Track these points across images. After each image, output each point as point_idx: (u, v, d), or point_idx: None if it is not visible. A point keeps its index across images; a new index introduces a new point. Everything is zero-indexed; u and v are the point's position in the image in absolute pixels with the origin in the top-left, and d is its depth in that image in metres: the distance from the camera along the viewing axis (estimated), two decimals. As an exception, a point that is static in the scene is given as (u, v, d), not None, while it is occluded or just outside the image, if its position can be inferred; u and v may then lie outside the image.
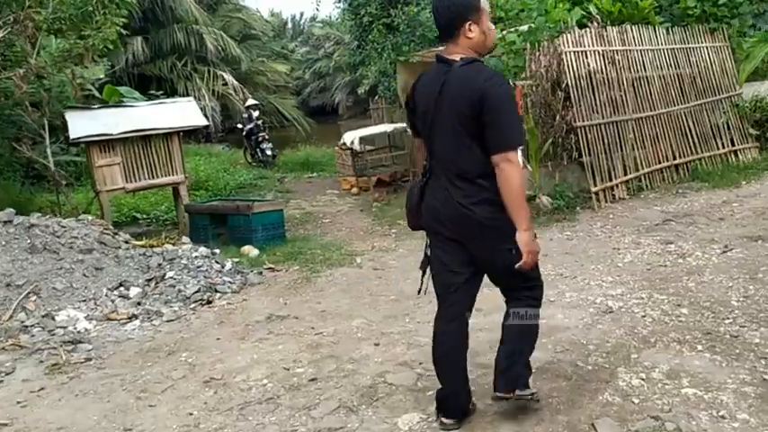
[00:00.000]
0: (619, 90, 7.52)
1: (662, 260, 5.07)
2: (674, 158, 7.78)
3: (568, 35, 7.30)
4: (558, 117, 7.20)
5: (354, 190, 10.82)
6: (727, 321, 3.72)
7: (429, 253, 2.76)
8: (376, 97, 12.54)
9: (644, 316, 3.94)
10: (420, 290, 2.81)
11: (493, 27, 2.63)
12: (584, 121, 7.16)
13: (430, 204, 2.67)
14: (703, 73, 8.28)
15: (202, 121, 8.59)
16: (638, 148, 7.52)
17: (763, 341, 3.40)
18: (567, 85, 7.14)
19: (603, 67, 7.42)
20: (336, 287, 5.44)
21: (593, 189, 7.03)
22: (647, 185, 7.51)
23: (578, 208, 7.08)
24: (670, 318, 3.87)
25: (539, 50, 7.35)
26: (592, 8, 7.93)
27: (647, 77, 7.80)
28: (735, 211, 6.21)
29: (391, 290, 5.19)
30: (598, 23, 7.63)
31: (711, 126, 8.16)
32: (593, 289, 4.65)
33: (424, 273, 2.79)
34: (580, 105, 7.16)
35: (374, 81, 11.59)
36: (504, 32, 7.74)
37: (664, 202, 6.98)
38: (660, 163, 7.67)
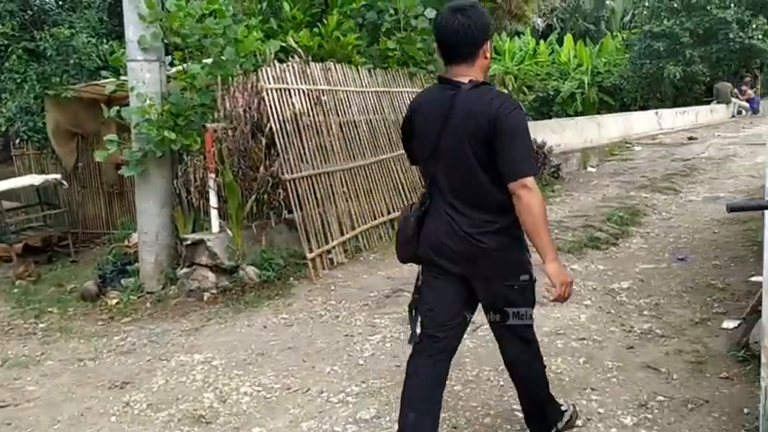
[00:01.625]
0: (328, 136, 6.49)
1: (398, 349, 4.01)
2: (389, 213, 7.01)
3: (269, 69, 6.02)
4: (262, 168, 5.82)
5: (-10, 262, 7.97)
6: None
7: (421, 287, 2.57)
8: (18, 141, 9.66)
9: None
10: (412, 336, 2.58)
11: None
12: (292, 172, 5.91)
13: (432, 235, 2.48)
14: (407, 119, 7.77)
15: None
16: (352, 203, 6.55)
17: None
18: (270, 129, 5.83)
19: (310, 109, 6.31)
20: None
21: (309, 255, 5.78)
22: (365, 245, 6.55)
23: (292, 278, 5.75)
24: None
25: (233, 86, 5.92)
26: (290, 40, 6.82)
27: (354, 122, 6.95)
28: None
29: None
30: (300, 57, 6.53)
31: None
32: (337, 409, 3.33)
33: (414, 313, 2.58)
34: (287, 154, 5.90)
35: (12, 120, 8.82)
36: (186, 65, 6.11)
37: (387, 265, 6.06)
38: (376, 218, 6.81)
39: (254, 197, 5.87)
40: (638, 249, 5.91)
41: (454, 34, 2.36)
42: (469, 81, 2.36)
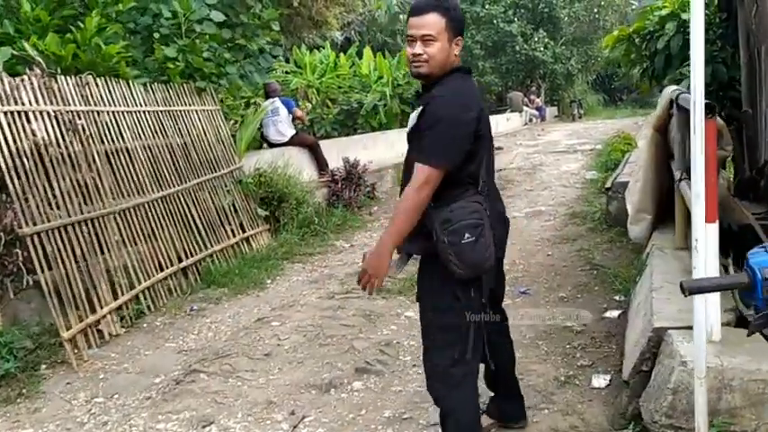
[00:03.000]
0: (89, 170, 5.01)
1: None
2: (180, 260, 5.66)
3: (-9, 85, 4.43)
4: (-13, 222, 4.23)
5: None
6: None
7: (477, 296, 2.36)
8: None
9: None
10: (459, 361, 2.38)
11: (406, 48, 2.41)
12: (36, 224, 4.37)
13: (494, 228, 2.37)
14: (197, 143, 6.48)
15: None
16: (129, 254, 5.13)
17: None
18: (-3, 167, 4.26)
19: (60, 137, 4.80)
20: None
21: (66, 334, 4.27)
22: (149, 307, 5.14)
23: (44, 367, 4.21)
24: None
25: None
26: (29, 49, 5.22)
27: (128, 150, 5.52)
28: (280, 338, 4.42)
29: None
30: (43, 71, 4.98)
31: (217, 210, 6.40)
32: None
33: (469, 330, 2.34)
34: (27, 200, 4.36)
35: None
36: None
37: (178, 331, 4.74)
38: (163, 270, 5.44)
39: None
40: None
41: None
42: None
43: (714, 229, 2.57)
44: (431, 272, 2.40)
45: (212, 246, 6.10)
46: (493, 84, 21.74)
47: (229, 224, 6.47)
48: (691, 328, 2.89)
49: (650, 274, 3.78)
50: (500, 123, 19.02)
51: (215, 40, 6.72)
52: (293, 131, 8.47)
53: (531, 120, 20.51)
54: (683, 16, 6.89)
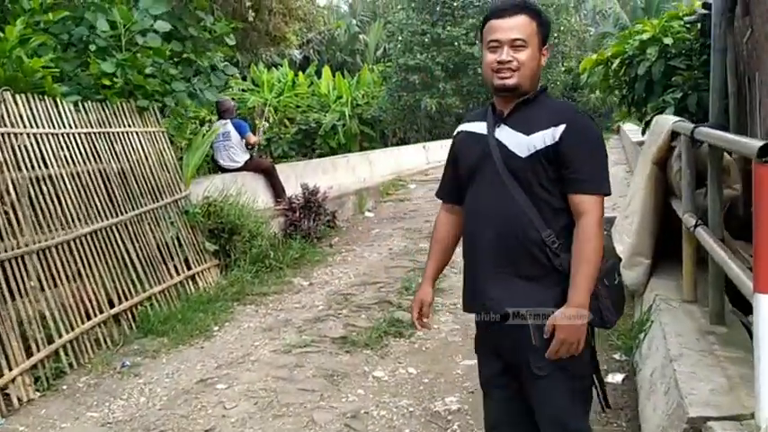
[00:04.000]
0: (2, 203, 4.25)
1: None
2: (112, 305, 4.91)
3: None
4: None
5: None
6: None
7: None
8: None
9: None
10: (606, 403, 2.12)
11: (486, 55, 2.04)
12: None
13: None
14: (137, 169, 5.75)
15: None
16: (49, 301, 4.36)
17: None
18: None
19: (-35, 164, 4.05)
20: None
21: (-38, 407, 3.50)
22: (72, 364, 4.36)
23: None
24: None
25: None
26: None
27: (52, 178, 4.77)
28: (226, 407, 3.72)
29: None
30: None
31: (159, 245, 5.67)
32: None
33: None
34: None
35: None
36: None
37: (104, 395, 3.99)
38: (90, 318, 4.67)
39: None
40: (450, 332, 4.63)
41: None
42: None
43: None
44: None
45: (152, 286, 5.35)
46: (454, 106, 21.46)
47: (172, 260, 5.74)
48: (735, 418, 2.36)
49: (662, 335, 3.25)
50: (462, 146, 18.65)
51: (160, 55, 6.02)
52: (247, 157, 7.78)
53: (492, 142, 20.32)
54: (666, 41, 6.52)
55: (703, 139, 3.13)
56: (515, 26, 1.96)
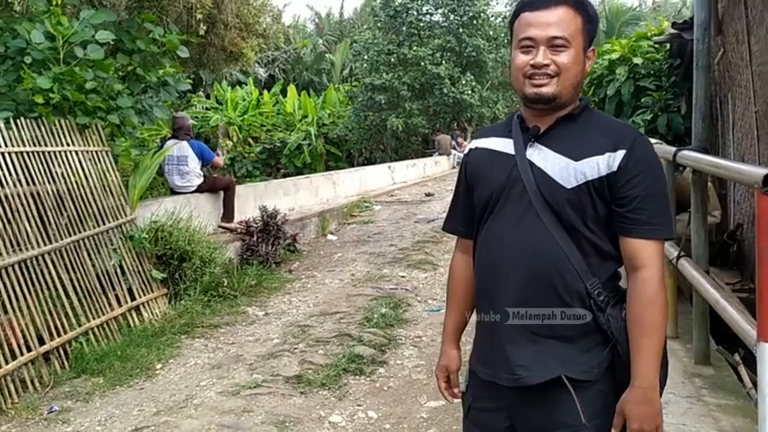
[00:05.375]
0: None
1: None
2: (42, 342, 4.44)
3: None
4: None
5: None
6: None
7: None
8: None
9: None
10: None
11: (517, 57, 1.61)
12: None
13: None
14: (76, 191, 5.30)
15: None
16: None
17: None
18: None
19: None
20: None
21: None
22: (-10, 412, 3.90)
23: None
24: None
25: None
26: None
27: (-25, 202, 4.31)
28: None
29: None
30: None
31: (99, 273, 5.21)
32: None
33: None
34: None
35: None
36: None
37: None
38: (15, 357, 4.20)
39: None
40: (414, 369, 4.27)
41: None
42: None
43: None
44: (606, 391, 1.59)
45: (89, 320, 4.89)
46: (420, 126, 21.32)
47: (114, 291, 5.28)
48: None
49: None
50: (428, 166, 18.48)
51: (103, 68, 5.61)
52: (201, 180, 7.30)
53: (459, 163, 20.19)
54: (635, 60, 6.36)
55: (690, 164, 2.87)
56: (555, 21, 1.56)
